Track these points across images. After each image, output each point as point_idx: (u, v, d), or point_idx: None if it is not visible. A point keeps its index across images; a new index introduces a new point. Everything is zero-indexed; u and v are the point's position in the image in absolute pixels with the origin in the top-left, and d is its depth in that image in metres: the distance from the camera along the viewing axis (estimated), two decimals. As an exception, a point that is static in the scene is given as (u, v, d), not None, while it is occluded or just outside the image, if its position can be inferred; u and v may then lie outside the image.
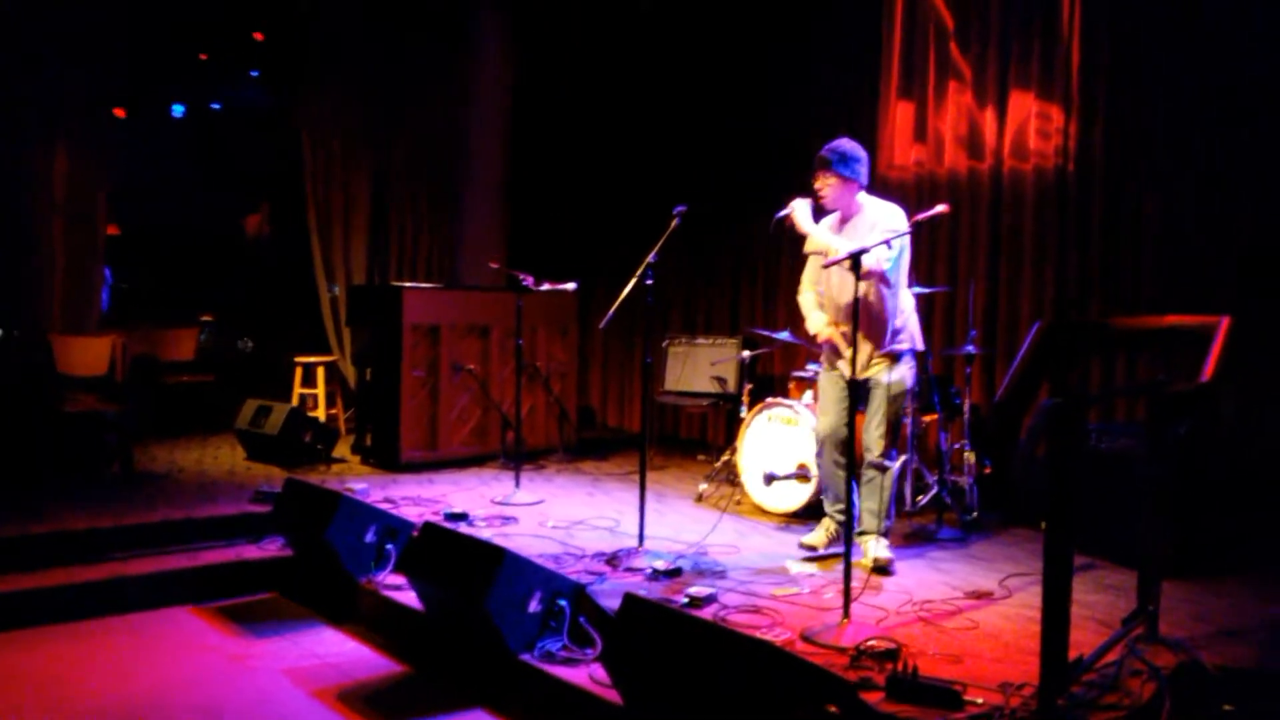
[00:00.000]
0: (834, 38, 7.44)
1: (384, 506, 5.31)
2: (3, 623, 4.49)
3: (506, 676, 3.85)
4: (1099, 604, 4.12)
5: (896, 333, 4.59)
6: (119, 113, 9.57)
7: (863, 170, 4.57)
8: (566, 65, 9.43)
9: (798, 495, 5.62)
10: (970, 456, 5.70)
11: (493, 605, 3.74)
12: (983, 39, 6.43)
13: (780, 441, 5.73)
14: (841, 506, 4.65)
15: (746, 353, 6.70)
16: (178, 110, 12.54)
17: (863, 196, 4.63)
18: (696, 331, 8.27)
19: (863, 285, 4.23)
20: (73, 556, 4.97)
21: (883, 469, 4.63)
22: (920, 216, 4.18)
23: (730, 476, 6.43)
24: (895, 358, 4.61)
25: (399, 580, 4.59)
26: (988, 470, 5.83)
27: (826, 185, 4.57)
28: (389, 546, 4.77)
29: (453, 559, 4.04)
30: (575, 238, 9.35)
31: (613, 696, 3.36)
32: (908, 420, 5.60)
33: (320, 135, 9.14)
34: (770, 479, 5.71)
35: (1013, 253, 6.33)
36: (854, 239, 4.46)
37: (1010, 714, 2.99)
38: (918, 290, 5.56)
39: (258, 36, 10.37)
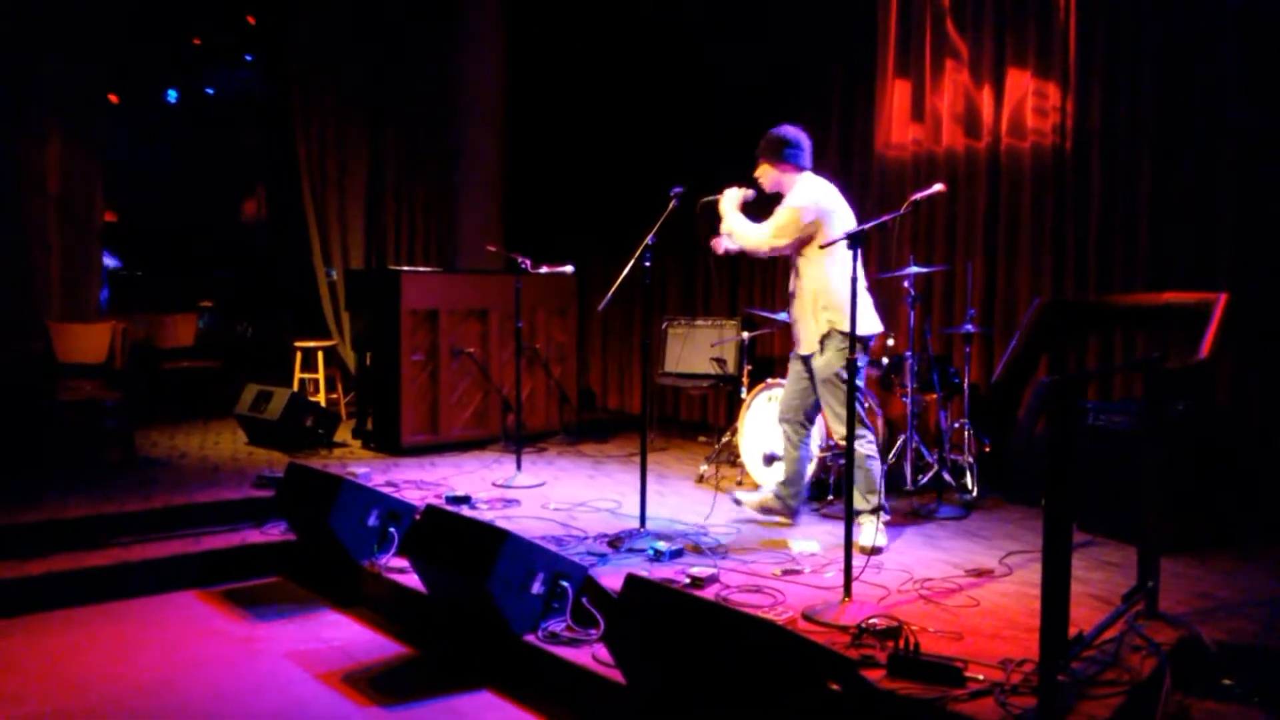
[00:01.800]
0: (829, 18, 7.40)
1: (386, 490, 5.34)
2: (9, 609, 4.53)
3: (511, 657, 3.87)
4: (1098, 581, 4.14)
5: (821, 311, 4.68)
6: (113, 99, 9.54)
7: (796, 153, 4.77)
8: (561, 46, 9.39)
9: (798, 475, 5.63)
10: (970, 435, 5.72)
11: (496, 587, 3.76)
12: (979, 17, 6.41)
13: (780, 422, 5.74)
14: (794, 490, 4.97)
15: (746, 334, 6.71)
16: (172, 95, 12.50)
17: (801, 178, 4.81)
18: (695, 313, 8.27)
19: (799, 262, 4.76)
20: (76, 543, 5.00)
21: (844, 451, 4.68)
22: (917, 196, 4.20)
23: (731, 457, 6.46)
24: (823, 339, 4.68)
25: (402, 563, 4.62)
26: (987, 449, 5.85)
27: (764, 175, 4.85)
28: (392, 530, 4.80)
29: (455, 542, 4.06)
30: (573, 220, 9.33)
31: (616, 676, 3.39)
32: (906, 400, 5.63)
33: (314, 119, 9.10)
34: (771, 459, 5.72)
35: (1010, 231, 6.33)
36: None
37: (1011, 690, 3.01)
38: (915, 270, 5.57)
39: (250, 20, 10.33)
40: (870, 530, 4.59)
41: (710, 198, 4.89)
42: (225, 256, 12.45)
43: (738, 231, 4.82)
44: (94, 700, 3.72)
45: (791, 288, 4.87)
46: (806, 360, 4.81)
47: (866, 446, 4.69)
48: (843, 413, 4.55)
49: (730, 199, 4.88)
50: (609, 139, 9.07)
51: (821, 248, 4.55)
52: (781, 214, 4.74)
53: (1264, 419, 5.19)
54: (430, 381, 7.10)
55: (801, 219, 4.66)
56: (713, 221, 4.97)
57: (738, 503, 5.16)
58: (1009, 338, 6.10)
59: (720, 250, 5.02)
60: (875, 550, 4.54)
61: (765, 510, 5.05)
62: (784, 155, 4.76)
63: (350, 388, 8.70)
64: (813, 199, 4.69)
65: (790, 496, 5.01)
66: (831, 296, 4.65)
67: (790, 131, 4.79)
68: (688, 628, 3.10)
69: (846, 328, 4.48)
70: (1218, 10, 5.37)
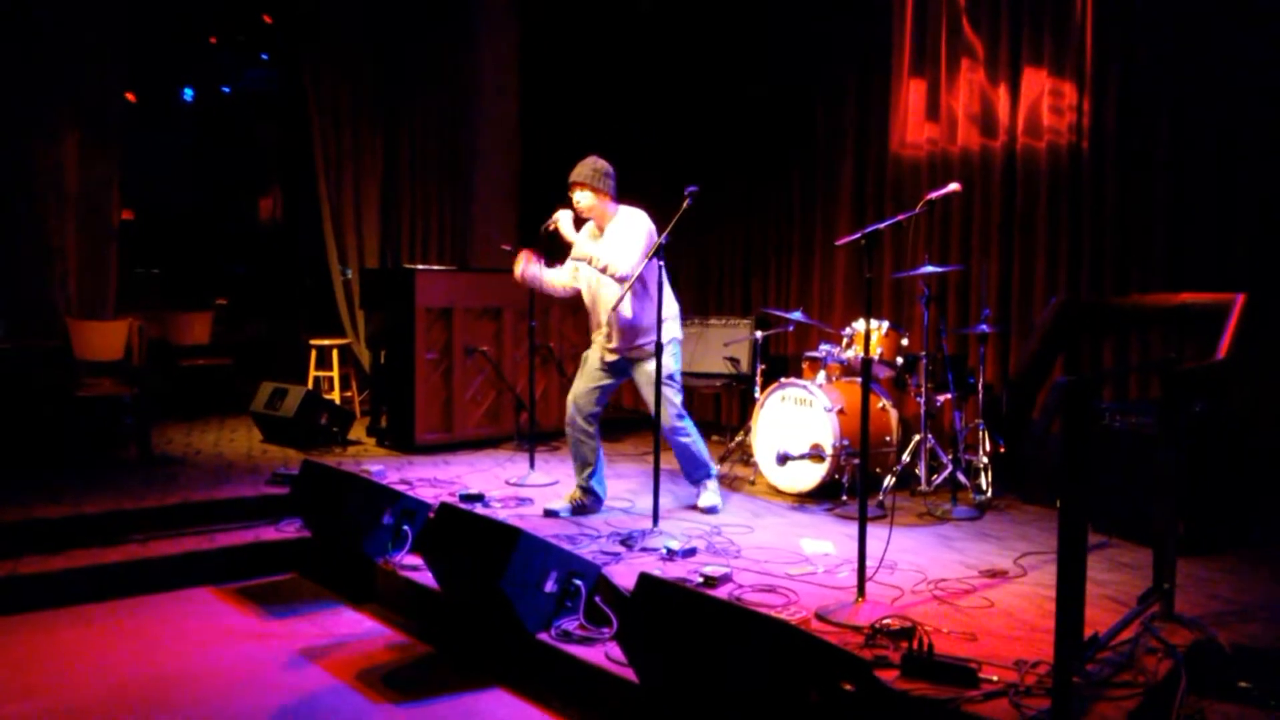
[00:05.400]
0: (844, 17, 7.39)
1: (400, 488, 5.36)
2: (27, 603, 4.56)
3: (524, 656, 3.88)
4: (1114, 582, 4.12)
5: (660, 324, 4.96)
6: (130, 97, 9.59)
7: (611, 184, 5.17)
8: (574, 47, 9.39)
9: (812, 475, 5.63)
10: (985, 435, 5.70)
11: (509, 585, 3.77)
12: (994, 15, 6.39)
13: (794, 422, 5.74)
14: (588, 473, 5.27)
15: (759, 333, 6.70)
16: (188, 94, 12.56)
17: (617, 208, 5.20)
18: (709, 312, 8.27)
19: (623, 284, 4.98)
20: (94, 539, 5.03)
21: (677, 434, 5.32)
22: (932, 195, 4.19)
23: (744, 457, 6.45)
24: (659, 347, 4.92)
25: (416, 561, 4.63)
26: (1002, 449, 5.82)
27: (584, 199, 5.15)
28: (406, 527, 4.81)
29: (469, 540, 4.07)
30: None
31: (629, 675, 3.39)
32: (920, 400, 5.62)
33: (330, 117, 9.13)
34: (784, 459, 5.72)
35: (1026, 231, 6.30)
36: (608, 245, 5.06)
37: (1025, 691, 3.00)
38: (930, 269, 5.55)
39: (267, 19, 10.36)
40: (702, 495, 5.35)
41: (549, 224, 5.34)
42: (241, 254, 12.51)
43: (597, 255, 5.00)
44: (108, 695, 3.75)
45: (599, 304, 5.21)
46: (624, 364, 5.27)
47: (689, 429, 5.37)
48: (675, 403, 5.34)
49: (567, 222, 5.29)
50: (624, 141, 9.05)
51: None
52: (637, 242, 5.02)
53: (1281, 420, 5.16)
54: (444, 380, 7.11)
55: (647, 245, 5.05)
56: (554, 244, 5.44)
57: (554, 514, 5.25)
58: (1024, 338, 6.08)
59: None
60: (709, 510, 5.27)
61: (578, 509, 5.30)
62: (606, 185, 5.12)
63: (365, 386, 8.73)
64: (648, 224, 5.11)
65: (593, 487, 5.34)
66: (667, 309, 5.11)
67: (604, 163, 5.17)
68: (701, 627, 3.09)
69: (678, 335, 5.47)
70: (1236, 8, 5.33)
